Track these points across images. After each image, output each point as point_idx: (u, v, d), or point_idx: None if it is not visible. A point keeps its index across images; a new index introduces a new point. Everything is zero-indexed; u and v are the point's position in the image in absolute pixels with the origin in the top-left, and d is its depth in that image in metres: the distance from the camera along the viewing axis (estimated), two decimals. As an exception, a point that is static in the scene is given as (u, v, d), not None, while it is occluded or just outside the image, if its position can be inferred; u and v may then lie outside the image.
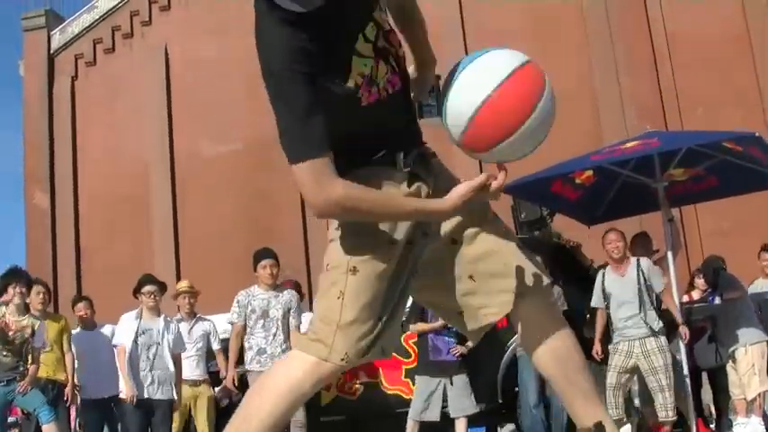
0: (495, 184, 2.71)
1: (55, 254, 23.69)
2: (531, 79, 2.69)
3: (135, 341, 8.41)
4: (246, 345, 8.16)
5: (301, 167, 2.64)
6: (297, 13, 2.57)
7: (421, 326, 8.68)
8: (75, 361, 9.01)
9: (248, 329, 8.15)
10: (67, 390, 8.91)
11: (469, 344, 8.26)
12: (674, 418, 8.05)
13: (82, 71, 23.72)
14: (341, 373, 8.70)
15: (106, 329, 9.54)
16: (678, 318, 8.29)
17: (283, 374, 2.92)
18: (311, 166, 2.63)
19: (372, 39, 2.74)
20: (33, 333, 8.38)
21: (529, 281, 2.92)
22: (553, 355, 3.00)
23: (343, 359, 2.83)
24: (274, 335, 8.12)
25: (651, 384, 8.06)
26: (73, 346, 9.07)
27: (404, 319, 8.50)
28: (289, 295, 8.34)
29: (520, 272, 2.93)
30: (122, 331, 8.50)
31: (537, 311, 2.98)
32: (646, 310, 8.16)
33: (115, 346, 8.57)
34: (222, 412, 9.07)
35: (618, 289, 8.30)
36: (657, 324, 8.17)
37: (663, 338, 8.12)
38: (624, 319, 8.19)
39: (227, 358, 8.66)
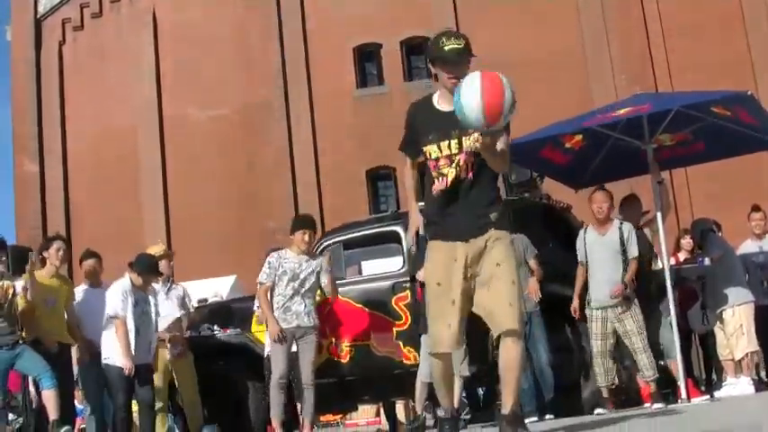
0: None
1: (44, 218, 23.66)
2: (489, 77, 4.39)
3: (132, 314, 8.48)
4: (273, 302, 8.32)
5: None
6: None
7: None
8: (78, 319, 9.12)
9: (275, 289, 8.34)
10: (77, 355, 9.10)
11: None
12: (656, 375, 8.10)
13: (69, 36, 23.58)
14: (332, 336, 8.80)
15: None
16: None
17: None
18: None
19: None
20: (15, 293, 8.42)
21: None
22: None
23: None
24: (301, 294, 8.34)
25: (630, 347, 8.15)
26: (77, 301, 9.18)
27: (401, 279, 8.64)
28: (320, 259, 8.57)
29: None
30: (118, 304, 8.48)
31: None
32: (620, 272, 8.19)
33: (111, 316, 8.55)
34: (205, 375, 9.22)
35: (597, 249, 8.33)
36: (629, 288, 8.20)
37: (635, 303, 8.16)
38: (599, 280, 8.23)
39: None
